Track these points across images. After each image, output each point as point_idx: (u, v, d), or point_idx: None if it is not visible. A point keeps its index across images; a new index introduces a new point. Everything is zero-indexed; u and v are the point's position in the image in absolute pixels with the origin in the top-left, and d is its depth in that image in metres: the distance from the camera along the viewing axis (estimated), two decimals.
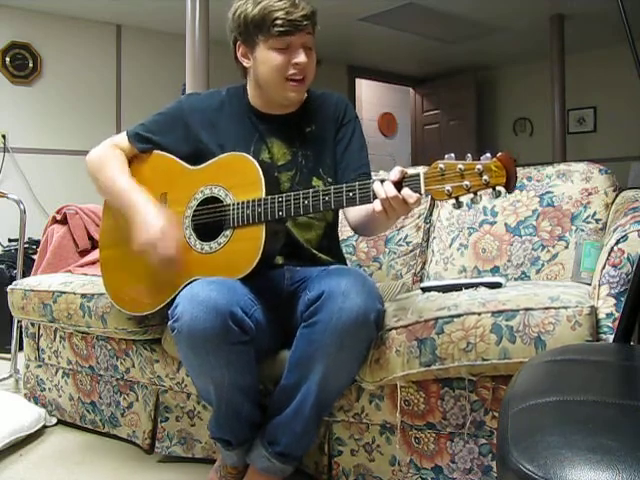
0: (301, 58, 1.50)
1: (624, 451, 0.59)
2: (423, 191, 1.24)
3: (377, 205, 1.28)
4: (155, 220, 1.48)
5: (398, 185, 1.26)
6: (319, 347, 1.34)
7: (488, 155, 1.18)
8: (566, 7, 5.07)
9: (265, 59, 1.52)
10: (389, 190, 1.25)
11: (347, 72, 6.84)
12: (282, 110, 1.62)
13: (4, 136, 4.61)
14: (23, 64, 4.73)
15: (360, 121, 1.71)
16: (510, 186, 1.18)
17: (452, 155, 1.22)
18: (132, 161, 1.67)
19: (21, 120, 4.74)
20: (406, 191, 1.24)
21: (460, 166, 1.19)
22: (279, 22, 1.46)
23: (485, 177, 1.17)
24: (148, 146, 1.66)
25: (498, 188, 1.18)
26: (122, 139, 1.68)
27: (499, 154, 1.18)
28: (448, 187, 1.20)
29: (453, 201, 1.21)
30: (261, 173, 1.46)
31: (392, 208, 1.27)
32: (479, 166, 1.18)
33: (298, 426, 1.44)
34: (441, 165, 1.21)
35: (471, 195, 1.20)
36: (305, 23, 1.48)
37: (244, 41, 1.55)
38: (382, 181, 1.28)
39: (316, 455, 1.61)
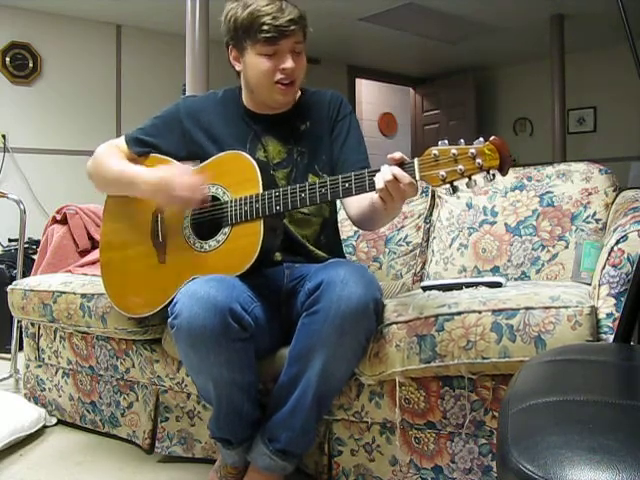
0: (288, 64, 1.50)
1: (624, 451, 0.59)
2: (418, 177, 1.24)
3: (379, 182, 1.26)
4: (159, 173, 1.51)
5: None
6: (320, 337, 1.34)
7: (481, 139, 1.18)
8: (566, 7, 5.07)
9: (253, 64, 1.53)
10: (385, 171, 1.25)
11: (347, 72, 6.83)
12: (275, 110, 1.63)
13: (4, 136, 4.61)
14: (23, 64, 4.73)
15: (356, 115, 1.71)
16: (504, 169, 1.17)
17: (445, 141, 1.22)
18: None
19: (21, 120, 4.74)
20: (398, 171, 1.24)
21: (453, 151, 1.19)
22: (265, 28, 1.46)
23: (479, 160, 1.17)
24: (145, 149, 1.67)
25: (492, 171, 1.18)
26: (120, 142, 1.69)
27: (492, 138, 1.18)
28: (442, 172, 1.20)
29: (448, 186, 1.21)
30: (258, 169, 1.46)
31: (388, 193, 1.26)
32: (472, 150, 1.17)
33: (298, 421, 1.44)
34: (435, 151, 1.21)
35: (465, 179, 1.19)
36: (292, 28, 1.48)
37: (235, 45, 1.56)
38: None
39: (316, 455, 1.61)
